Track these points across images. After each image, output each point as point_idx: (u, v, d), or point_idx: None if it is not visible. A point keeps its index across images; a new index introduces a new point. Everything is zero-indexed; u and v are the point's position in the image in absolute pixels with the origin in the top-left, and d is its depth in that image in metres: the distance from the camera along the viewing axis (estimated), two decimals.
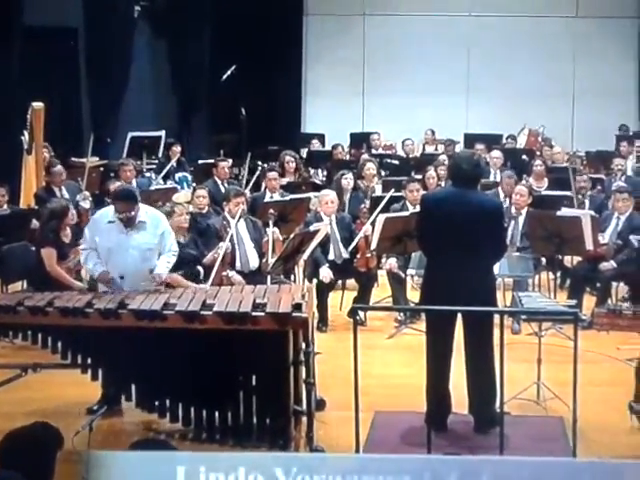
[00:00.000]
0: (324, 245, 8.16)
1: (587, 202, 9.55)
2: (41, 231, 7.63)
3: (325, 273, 8.05)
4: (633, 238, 7.85)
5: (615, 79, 15.47)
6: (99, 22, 12.76)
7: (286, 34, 15.85)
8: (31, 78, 11.29)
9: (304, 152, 13.81)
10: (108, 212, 6.15)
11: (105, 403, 5.89)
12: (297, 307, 5.33)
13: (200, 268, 7.56)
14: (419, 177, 9.98)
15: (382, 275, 8.68)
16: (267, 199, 9.55)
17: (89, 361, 5.54)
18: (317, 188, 10.23)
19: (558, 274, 8.65)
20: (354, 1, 16.08)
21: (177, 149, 12.28)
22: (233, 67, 14.61)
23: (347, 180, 9.89)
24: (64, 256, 7.53)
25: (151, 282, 5.99)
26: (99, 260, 6.04)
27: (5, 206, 8.91)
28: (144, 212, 6.10)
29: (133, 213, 5.97)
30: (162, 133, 12.68)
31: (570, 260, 8.99)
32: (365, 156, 12.29)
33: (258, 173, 10.98)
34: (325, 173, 12.57)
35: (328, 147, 14.19)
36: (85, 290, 6.61)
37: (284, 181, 10.42)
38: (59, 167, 9.57)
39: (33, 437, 3.74)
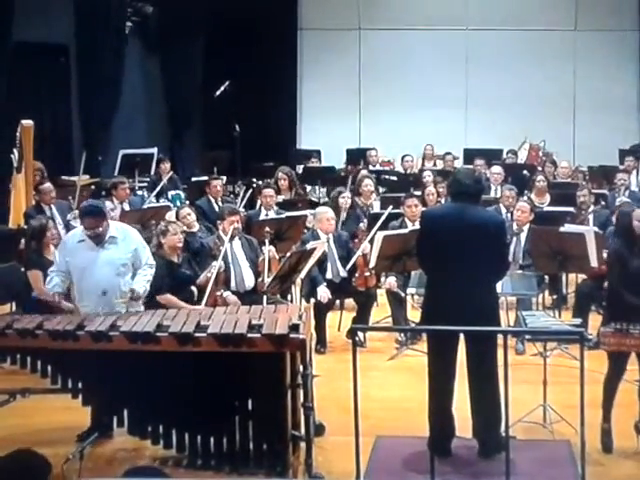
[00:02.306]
0: (321, 264, 8.05)
1: (591, 218, 9.42)
2: (25, 252, 7.51)
3: (323, 293, 7.91)
4: None
5: (616, 93, 15.42)
6: (90, 39, 12.72)
7: (280, 49, 15.81)
8: (21, 95, 11.20)
9: (300, 168, 13.69)
10: (77, 232, 6.12)
11: (96, 429, 5.74)
12: (294, 328, 5.24)
13: (194, 288, 7.41)
14: (418, 193, 9.85)
15: (381, 294, 8.56)
16: (262, 217, 9.43)
17: (80, 385, 5.44)
18: (313, 205, 10.10)
19: (564, 292, 8.53)
20: (349, 16, 16.03)
21: (167, 166, 12.18)
22: (227, 83, 14.53)
23: (344, 199, 9.75)
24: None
25: (128, 299, 5.90)
26: (60, 282, 5.99)
27: None
28: (114, 228, 6.06)
29: (101, 229, 5.92)
30: (154, 150, 12.58)
31: (575, 278, 8.86)
32: (363, 172, 12.16)
33: (252, 190, 10.82)
34: (321, 189, 12.45)
35: (325, 163, 14.09)
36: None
37: (279, 198, 10.30)
38: (48, 185, 9.44)
39: (18, 466, 3.58)
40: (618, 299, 5.63)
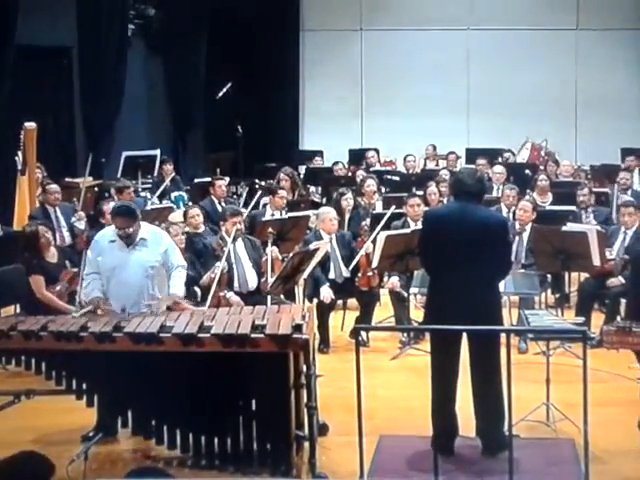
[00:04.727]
0: (324, 264, 8.04)
1: (592, 217, 9.43)
2: (23, 260, 7.51)
3: (326, 293, 7.91)
4: None
5: (618, 91, 15.39)
6: (93, 41, 12.71)
7: (283, 50, 15.81)
8: (24, 98, 11.20)
9: (302, 169, 13.67)
10: (109, 232, 6.09)
11: (100, 430, 5.74)
12: (297, 328, 5.24)
13: (197, 289, 7.41)
14: (420, 193, 9.85)
15: (384, 294, 8.56)
16: (266, 217, 9.44)
17: (84, 387, 5.44)
18: (316, 206, 10.10)
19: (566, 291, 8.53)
20: (351, 16, 16.03)
21: (170, 167, 12.19)
22: (229, 84, 14.54)
23: (347, 200, 9.71)
24: (54, 280, 7.41)
25: (158, 301, 5.88)
26: (99, 286, 5.96)
27: None
28: (145, 230, 6.04)
29: (132, 229, 5.91)
30: (157, 152, 12.57)
31: (577, 276, 8.85)
32: (362, 172, 12.16)
33: (260, 193, 10.75)
34: (320, 190, 12.42)
35: (327, 164, 14.07)
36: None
37: None
38: (55, 186, 9.42)
39: (21, 467, 3.59)
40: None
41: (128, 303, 5.80)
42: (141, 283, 5.93)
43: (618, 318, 7.60)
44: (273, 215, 9.55)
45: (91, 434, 5.80)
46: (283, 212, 9.66)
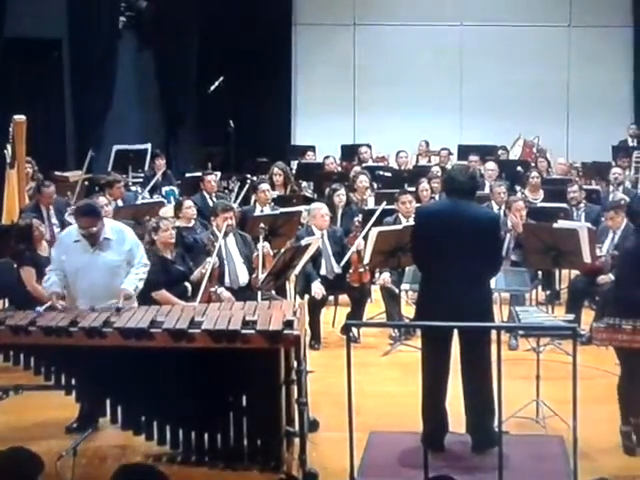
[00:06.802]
0: (315, 260, 8.04)
1: (583, 215, 9.45)
2: (16, 252, 7.48)
3: (317, 289, 7.91)
4: None
5: (610, 89, 15.41)
6: (83, 33, 12.66)
7: (275, 44, 15.76)
8: (13, 90, 11.15)
9: (294, 164, 13.63)
10: (73, 231, 6.02)
11: (83, 420, 5.76)
12: (288, 324, 5.24)
13: (188, 285, 7.40)
14: (412, 189, 9.85)
15: (376, 290, 8.57)
16: (257, 213, 9.41)
17: (73, 382, 5.43)
18: (308, 201, 10.07)
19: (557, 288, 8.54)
20: (344, 11, 16.00)
21: (161, 162, 12.13)
22: (221, 78, 14.49)
23: (339, 196, 9.67)
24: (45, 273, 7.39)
25: (121, 299, 5.81)
26: (58, 280, 5.89)
27: None
28: (109, 228, 5.97)
29: (96, 229, 5.83)
30: (148, 146, 12.51)
31: (568, 274, 8.86)
32: (357, 168, 12.14)
33: (247, 187, 10.79)
34: (313, 185, 12.39)
35: (319, 159, 14.04)
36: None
37: (273, 194, 10.27)
38: (52, 189, 9.30)
39: (10, 464, 3.58)
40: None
41: (97, 302, 5.74)
42: (108, 282, 5.85)
43: None
44: (262, 211, 9.51)
45: (75, 425, 5.82)
46: (268, 207, 9.61)
